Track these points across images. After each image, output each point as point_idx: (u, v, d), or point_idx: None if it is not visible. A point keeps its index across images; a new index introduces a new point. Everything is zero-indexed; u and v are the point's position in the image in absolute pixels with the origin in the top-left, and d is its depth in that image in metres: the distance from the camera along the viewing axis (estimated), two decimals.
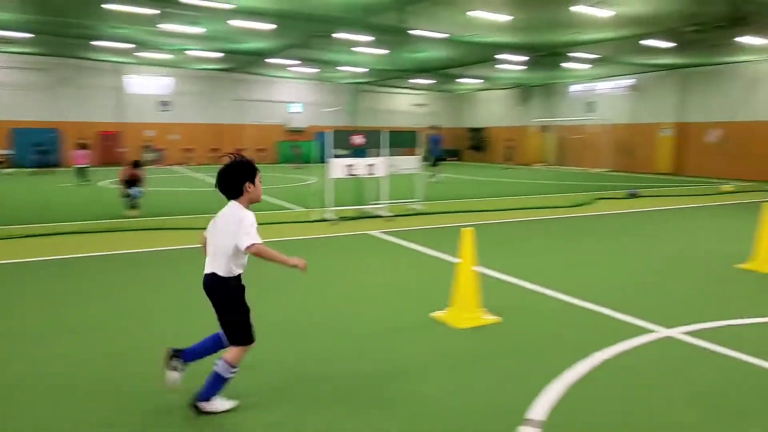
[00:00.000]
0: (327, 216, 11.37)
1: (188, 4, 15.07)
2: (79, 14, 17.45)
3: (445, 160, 24.97)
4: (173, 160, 30.31)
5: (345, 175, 11.24)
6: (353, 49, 21.38)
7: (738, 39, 17.84)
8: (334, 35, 17.76)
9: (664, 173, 25.95)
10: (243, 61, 26.80)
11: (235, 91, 32.19)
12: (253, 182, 3.45)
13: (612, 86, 29.20)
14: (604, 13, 15.09)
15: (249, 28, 17.73)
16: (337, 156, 11.58)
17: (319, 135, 28.08)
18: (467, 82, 32.83)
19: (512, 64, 24.86)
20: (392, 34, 17.29)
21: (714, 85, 24.71)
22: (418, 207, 12.83)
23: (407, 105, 37.71)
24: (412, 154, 13.09)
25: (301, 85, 33.71)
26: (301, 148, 29.84)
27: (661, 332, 5.02)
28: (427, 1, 13.80)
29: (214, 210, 3.60)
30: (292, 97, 33.61)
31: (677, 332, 5.02)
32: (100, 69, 28.68)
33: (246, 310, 3.50)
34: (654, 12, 15.53)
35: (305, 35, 18.35)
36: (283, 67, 27.73)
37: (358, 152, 12.47)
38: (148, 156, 27.75)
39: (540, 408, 3.60)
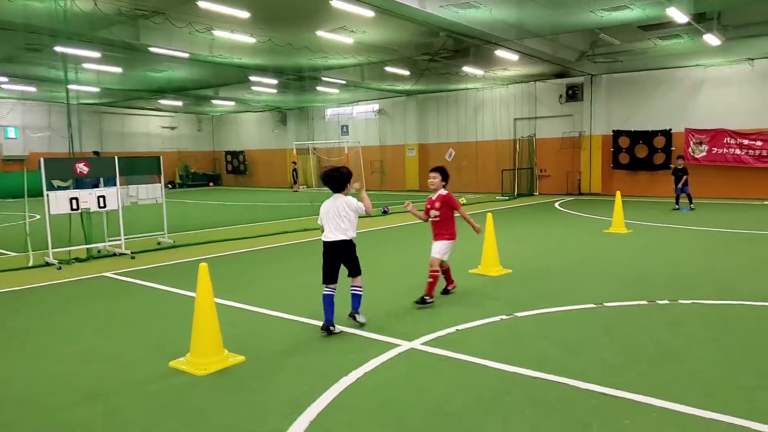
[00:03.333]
0: (50, 259, 9.62)
1: None
2: None
3: None
4: None
5: (69, 210, 9.61)
6: (82, 65, 18.87)
7: (463, 68, 20.22)
8: (55, 49, 15.45)
9: (412, 190, 28.26)
10: None
11: None
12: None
13: (362, 110, 31.00)
14: (345, 39, 15.74)
15: None
16: (58, 187, 9.90)
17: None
18: (222, 104, 31.80)
19: (266, 87, 24.71)
20: (125, 51, 15.68)
21: (446, 109, 27.78)
22: (166, 240, 11.66)
23: (158, 128, 35.12)
24: (156, 181, 11.90)
25: (18, 106, 28.78)
26: None
27: (405, 345, 5.04)
28: (160, 16, 12.76)
29: None
30: (4, 120, 28.46)
31: (418, 344, 5.09)
32: None
33: None
34: (389, 41, 16.72)
35: (12, 47, 15.62)
36: None
37: (90, 182, 10.91)
38: None
39: None
